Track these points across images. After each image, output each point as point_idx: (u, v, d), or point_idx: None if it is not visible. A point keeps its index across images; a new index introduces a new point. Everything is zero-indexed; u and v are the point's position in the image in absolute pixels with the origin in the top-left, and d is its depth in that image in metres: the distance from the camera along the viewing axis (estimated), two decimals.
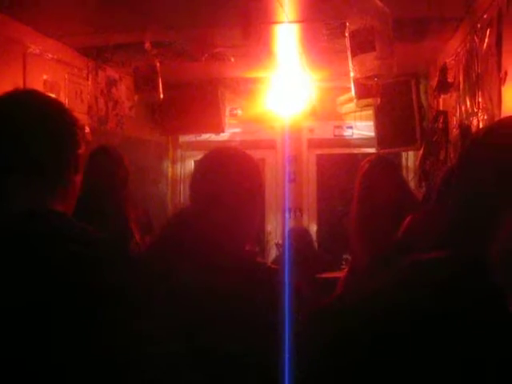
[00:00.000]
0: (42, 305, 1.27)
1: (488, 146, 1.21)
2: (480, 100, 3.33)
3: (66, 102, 4.30)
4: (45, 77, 4.02)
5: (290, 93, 5.78)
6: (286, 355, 1.56)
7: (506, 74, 2.80)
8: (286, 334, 1.63)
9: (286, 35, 4.21)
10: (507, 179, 1.11)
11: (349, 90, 4.15)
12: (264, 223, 6.39)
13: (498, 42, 2.91)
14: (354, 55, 2.87)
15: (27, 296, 1.27)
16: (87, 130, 4.46)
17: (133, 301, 1.34)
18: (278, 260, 5.39)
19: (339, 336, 1.23)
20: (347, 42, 2.92)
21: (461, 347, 1.08)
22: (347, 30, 2.92)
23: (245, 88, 6.00)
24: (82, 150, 1.52)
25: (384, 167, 2.61)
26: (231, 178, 1.92)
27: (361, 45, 2.80)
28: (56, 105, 1.54)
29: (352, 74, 2.97)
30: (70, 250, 1.33)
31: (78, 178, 1.53)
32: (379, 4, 2.82)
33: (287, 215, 6.00)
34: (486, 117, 3.20)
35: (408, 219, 2.21)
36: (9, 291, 1.27)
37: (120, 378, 1.28)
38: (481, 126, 3.30)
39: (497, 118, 2.90)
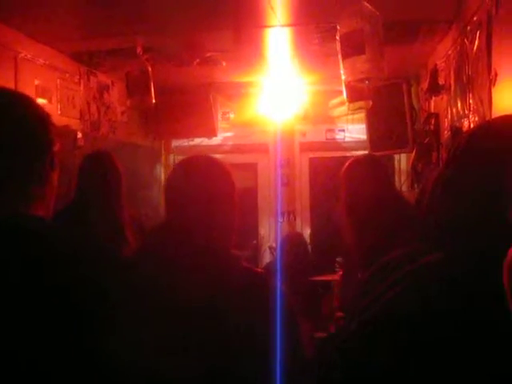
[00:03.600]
0: (22, 311, 1.24)
1: (480, 146, 1.22)
2: (471, 102, 3.34)
3: (58, 107, 4.31)
4: (36, 82, 4.02)
5: (282, 96, 5.80)
6: (275, 365, 1.57)
7: (495, 75, 2.81)
8: (274, 341, 1.63)
9: (278, 39, 4.23)
10: (504, 176, 1.11)
11: (340, 93, 4.17)
12: (257, 227, 6.40)
13: (488, 44, 2.92)
14: (344, 58, 2.89)
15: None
16: (79, 135, 4.46)
17: (117, 303, 1.32)
18: (272, 263, 5.40)
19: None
20: (338, 45, 2.94)
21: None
22: (338, 33, 2.93)
23: (237, 92, 6.02)
24: (56, 147, 1.44)
25: (368, 161, 2.63)
26: (198, 184, 1.90)
27: (351, 48, 2.82)
28: (25, 101, 1.44)
29: (343, 77, 2.98)
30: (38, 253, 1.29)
31: (55, 176, 1.45)
32: (369, 7, 2.84)
33: (280, 219, 6.00)
34: (477, 118, 3.21)
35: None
36: None
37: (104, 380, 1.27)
38: (472, 127, 3.32)
39: (488, 119, 2.92)
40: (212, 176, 1.94)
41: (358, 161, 2.68)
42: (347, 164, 2.69)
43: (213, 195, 1.89)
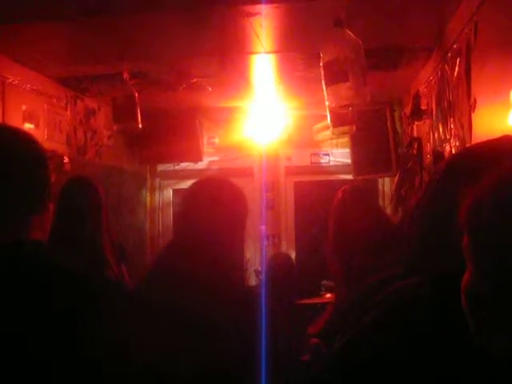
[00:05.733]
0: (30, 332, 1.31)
1: (454, 174, 1.26)
2: (452, 127, 3.41)
3: (45, 132, 4.33)
4: (24, 107, 4.04)
5: (267, 121, 5.85)
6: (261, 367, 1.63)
7: (475, 101, 2.88)
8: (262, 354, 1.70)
9: (262, 65, 4.28)
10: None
11: (325, 117, 4.20)
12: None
13: (467, 71, 2.99)
14: (328, 85, 2.94)
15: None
16: (66, 160, 4.48)
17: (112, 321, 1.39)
18: (257, 287, 5.40)
19: None
20: (321, 72, 2.99)
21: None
22: (321, 60, 2.98)
23: (222, 117, 6.06)
24: (53, 178, 1.59)
25: (356, 196, 2.66)
26: (205, 206, 2.00)
27: (334, 75, 2.87)
28: (24, 137, 1.57)
29: (327, 103, 3.04)
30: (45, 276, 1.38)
31: (51, 206, 1.58)
32: (352, 35, 2.89)
33: (265, 242, 6.02)
34: (457, 143, 3.28)
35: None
36: None
37: None
38: (453, 152, 3.38)
39: (468, 144, 2.98)
40: (221, 198, 2.02)
41: (346, 195, 2.73)
42: (336, 199, 2.73)
43: (219, 217, 1.98)
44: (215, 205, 2.00)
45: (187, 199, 2.16)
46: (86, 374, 1.31)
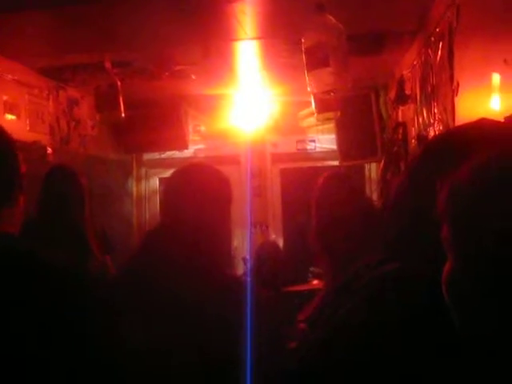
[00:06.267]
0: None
1: (434, 157, 1.25)
2: (435, 111, 3.40)
3: (27, 122, 4.29)
4: (5, 98, 4.01)
5: (252, 108, 5.83)
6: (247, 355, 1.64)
7: (457, 85, 2.87)
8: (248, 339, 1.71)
9: (246, 52, 4.26)
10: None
11: (309, 104, 4.22)
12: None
13: (450, 55, 2.99)
14: (309, 71, 2.92)
15: None
16: (49, 150, 4.45)
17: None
18: (244, 274, 5.41)
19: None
20: (303, 57, 2.97)
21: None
22: (303, 45, 2.97)
23: (207, 105, 6.03)
24: (23, 169, 1.56)
25: (337, 182, 2.66)
26: (191, 191, 2.01)
27: (316, 61, 2.85)
28: None
29: (309, 89, 3.02)
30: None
31: (22, 198, 1.56)
32: (333, 20, 2.88)
33: (252, 230, 6.02)
34: (441, 127, 3.27)
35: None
36: None
37: None
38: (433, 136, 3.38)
39: (451, 128, 2.98)
40: (205, 184, 2.03)
41: (325, 182, 2.72)
42: (317, 185, 2.73)
43: (203, 202, 1.99)
44: (198, 190, 2.01)
45: (170, 185, 2.17)
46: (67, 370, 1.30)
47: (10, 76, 4.08)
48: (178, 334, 1.73)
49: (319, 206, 2.54)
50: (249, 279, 2.15)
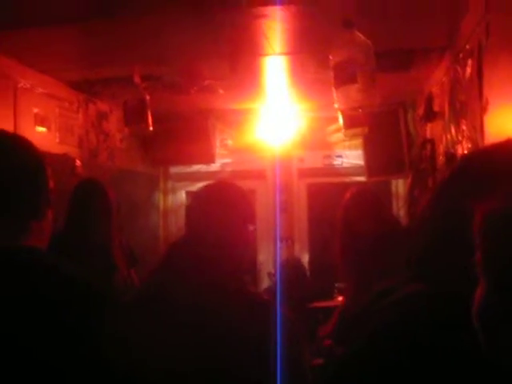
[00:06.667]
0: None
1: (463, 177, 1.24)
2: (464, 128, 3.37)
3: (57, 135, 4.35)
4: (35, 110, 4.06)
5: (280, 123, 5.84)
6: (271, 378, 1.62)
7: (487, 102, 2.84)
8: (277, 364, 1.68)
9: (273, 67, 4.28)
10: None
11: (337, 119, 4.21)
12: (256, 253, 6.40)
13: (479, 72, 2.96)
14: (337, 87, 2.92)
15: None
16: (78, 163, 4.50)
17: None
18: (270, 289, 5.39)
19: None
20: (331, 74, 2.97)
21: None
22: (331, 62, 2.97)
23: (235, 119, 6.06)
24: (51, 185, 1.58)
25: (363, 198, 2.65)
26: (220, 208, 2.03)
27: (344, 77, 2.85)
28: (22, 143, 1.58)
29: (336, 106, 3.02)
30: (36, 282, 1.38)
31: (50, 212, 1.59)
32: (361, 37, 2.88)
33: (279, 245, 6.01)
34: (470, 145, 3.24)
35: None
36: None
37: None
38: (464, 154, 3.34)
39: (480, 146, 2.95)
40: (227, 202, 2.06)
41: (352, 198, 2.71)
42: (344, 201, 2.72)
43: (225, 219, 2.02)
44: (220, 207, 2.03)
45: (194, 202, 2.20)
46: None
47: (40, 89, 4.14)
48: (197, 356, 1.72)
49: (345, 222, 2.53)
50: (277, 297, 2.13)
